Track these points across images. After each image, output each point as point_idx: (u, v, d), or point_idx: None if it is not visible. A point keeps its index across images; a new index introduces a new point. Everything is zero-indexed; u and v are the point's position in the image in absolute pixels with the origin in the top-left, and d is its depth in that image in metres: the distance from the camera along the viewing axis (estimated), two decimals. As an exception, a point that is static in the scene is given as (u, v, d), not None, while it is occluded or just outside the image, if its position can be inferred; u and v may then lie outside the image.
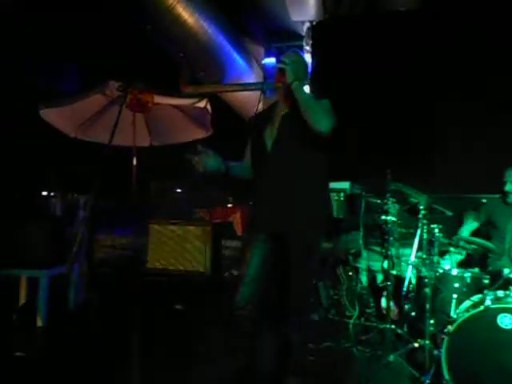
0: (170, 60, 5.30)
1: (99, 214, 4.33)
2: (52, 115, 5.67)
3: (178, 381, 2.55)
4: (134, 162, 5.72)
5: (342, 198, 3.63)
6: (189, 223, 4.12)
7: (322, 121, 1.95)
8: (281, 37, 5.21)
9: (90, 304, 3.58)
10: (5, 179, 8.10)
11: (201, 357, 2.90)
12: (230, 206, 8.01)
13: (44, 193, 7.72)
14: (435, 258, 2.76)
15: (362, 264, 3.86)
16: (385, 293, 3.15)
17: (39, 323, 3.41)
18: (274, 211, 2.06)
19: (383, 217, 3.09)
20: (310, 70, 5.13)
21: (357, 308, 3.48)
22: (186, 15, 4.10)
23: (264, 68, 5.62)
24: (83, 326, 3.42)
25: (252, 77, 5.90)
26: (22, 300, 3.69)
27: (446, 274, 2.77)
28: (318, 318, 3.60)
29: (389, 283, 3.01)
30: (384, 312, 3.24)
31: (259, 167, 2.17)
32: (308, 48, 5.17)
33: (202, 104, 5.52)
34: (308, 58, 5.25)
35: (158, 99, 5.30)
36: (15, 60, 7.12)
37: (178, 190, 8.46)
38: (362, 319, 3.49)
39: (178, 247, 3.69)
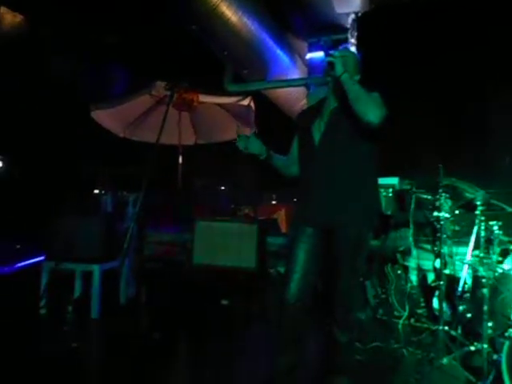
0: (213, 58, 5.37)
1: (147, 211, 4.48)
2: (102, 116, 5.96)
3: (223, 377, 2.57)
4: (180, 160, 5.90)
5: (390, 194, 3.51)
6: (235, 220, 4.16)
7: (371, 112, 1.89)
8: (325, 30, 5.12)
9: (140, 298, 3.71)
10: (60, 179, 8.59)
11: (246, 353, 2.92)
12: (274, 203, 8.02)
13: (96, 191, 8.10)
14: (494, 257, 2.60)
15: (412, 262, 3.72)
16: (437, 293, 3.01)
17: (93, 315, 3.58)
18: (321, 206, 2.03)
19: (435, 213, 2.95)
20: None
21: (406, 308, 3.36)
22: (230, 13, 4.14)
23: (308, 63, 5.55)
24: (133, 319, 3.54)
25: (296, 72, 5.85)
26: (77, 293, 3.89)
27: (506, 274, 2.61)
28: (364, 317, 3.51)
29: (441, 283, 2.88)
30: (436, 313, 3.10)
31: (306, 161, 2.15)
32: (353, 41, 5.05)
33: (245, 102, 5.56)
34: (353, 50, 5.12)
35: (203, 98, 5.43)
36: (65, 65, 7.52)
37: (222, 188, 8.59)
38: (412, 320, 3.37)
39: (224, 243, 3.74)
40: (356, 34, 4.98)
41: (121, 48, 7.24)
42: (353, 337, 2.16)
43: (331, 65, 1.97)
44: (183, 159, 5.89)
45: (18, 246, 5.36)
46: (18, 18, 6.69)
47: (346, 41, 4.96)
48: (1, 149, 8.57)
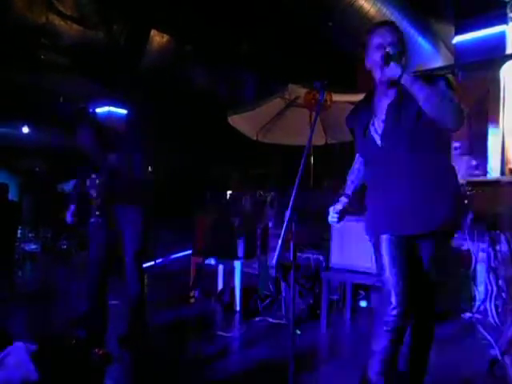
0: (346, 54, 5.35)
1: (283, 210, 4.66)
2: (238, 120, 6.41)
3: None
4: (312, 160, 5.99)
5: None
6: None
7: (451, 122, 1.75)
8: (476, 8, 4.65)
9: (278, 295, 3.90)
10: (198, 180, 9.51)
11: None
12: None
13: (228, 192, 8.69)
14: None
15: None
16: None
17: (235, 308, 3.89)
18: (396, 212, 1.90)
19: None
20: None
21: None
22: (368, 6, 4.09)
23: (454, 48, 5.11)
24: (272, 314, 3.73)
25: (439, 60, 5.47)
26: (220, 287, 4.27)
27: None
28: None
29: None
30: None
31: (372, 166, 2.02)
32: (512, 15, 4.47)
33: (380, 97, 5.38)
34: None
35: (336, 97, 5.43)
36: (205, 76, 8.29)
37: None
38: None
39: (360, 244, 3.69)
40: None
41: (253, 55, 7.69)
42: None
43: (386, 58, 1.78)
44: (314, 160, 5.98)
45: (170, 239, 6.12)
46: (165, 38, 7.62)
47: (503, 16, 4.43)
48: (148, 155, 9.88)
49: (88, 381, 2.41)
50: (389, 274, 1.88)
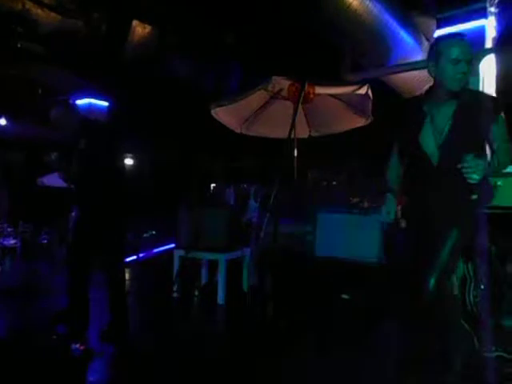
0: (330, 47, 5.33)
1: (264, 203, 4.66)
2: (221, 113, 6.32)
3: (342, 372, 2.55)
4: (295, 153, 5.97)
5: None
6: (356, 211, 4.10)
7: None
8: (457, 2, 4.69)
9: (262, 287, 3.89)
10: (182, 173, 9.44)
11: (367, 349, 2.86)
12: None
13: (212, 184, 8.64)
14: None
15: None
16: None
17: (218, 301, 3.87)
18: (439, 229, 1.94)
19: None
20: (497, 36, 4.52)
21: None
22: (351, -1, 4.07)
23: (435, 42, 5.17)
24: (255, 307, 3.73)
25: (421, 54, 5.50)
26: (204, 280, 4.25)
27: None
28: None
29: None
30: None
31: (420, 178, 2.03)
32: (493, 9, 4.51)
33: (362, 90, 5.39)
34: (493, 21, 4.61)
35: (319, 90, 5.40)
36: (189, 67, 8.18)
37: (334, 180, 8.49)
38: None
39: (345, 235, 3.72)
40: (496, 0, 4.44)
41: (239, 46, 7.61)
42: None
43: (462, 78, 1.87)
44: (298, 152, 5.96)
45: (154, 232, 6.06)
46: (147, 28, 7.46)
47: (483, 10, 4.48)
48: (131, 148, 9.76)
49: (69, 376, 2.37)
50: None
